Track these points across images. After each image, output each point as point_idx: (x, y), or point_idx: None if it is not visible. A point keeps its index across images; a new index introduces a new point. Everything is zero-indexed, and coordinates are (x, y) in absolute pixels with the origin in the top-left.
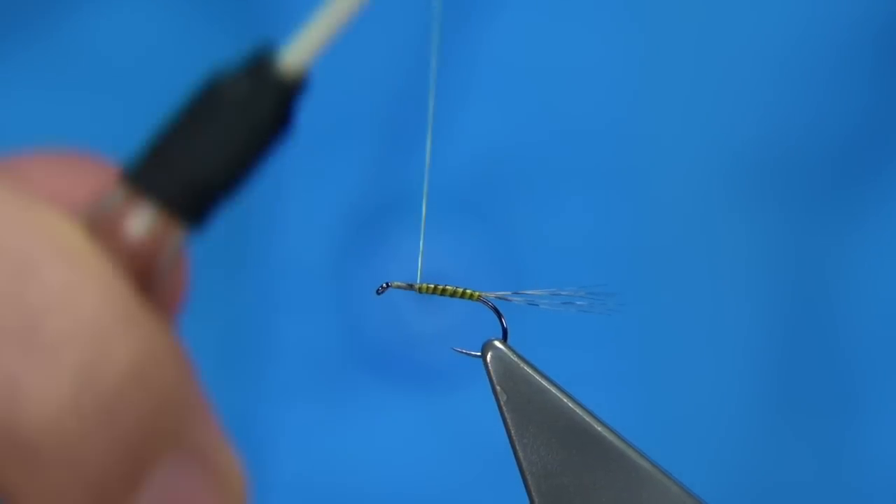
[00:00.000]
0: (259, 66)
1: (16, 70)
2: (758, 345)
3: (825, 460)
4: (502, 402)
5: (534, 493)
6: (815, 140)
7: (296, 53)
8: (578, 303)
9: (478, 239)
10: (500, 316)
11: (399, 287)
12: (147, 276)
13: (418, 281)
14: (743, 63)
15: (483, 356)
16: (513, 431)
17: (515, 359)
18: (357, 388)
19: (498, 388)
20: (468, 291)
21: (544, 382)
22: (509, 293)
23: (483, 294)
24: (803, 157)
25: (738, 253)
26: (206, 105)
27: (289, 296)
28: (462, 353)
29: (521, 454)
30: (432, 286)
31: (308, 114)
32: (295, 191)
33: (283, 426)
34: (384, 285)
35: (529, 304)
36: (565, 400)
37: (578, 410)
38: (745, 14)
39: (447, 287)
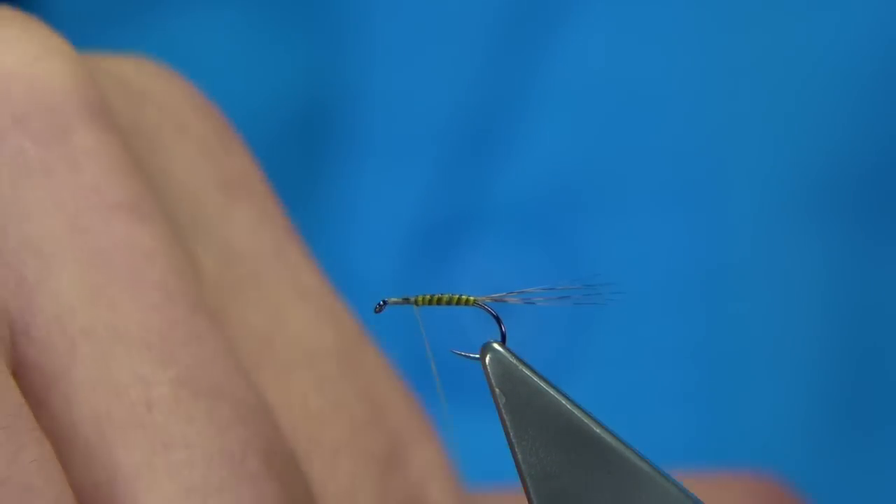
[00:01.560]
0: None
1: None
2: (825, 362)
3: (885, 476)
4: (501, 405)
5: (533, 495)
6: (886, 158)
7: None
8: (574, 296)
9: (546, 257)
10: (497, 319)
11: (396, 303)
12: None
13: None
14: (815, 81)
15: (481, 358)
16: (511, 433)
17: (514, 361)
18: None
19: (497, 390)
20: (464, 297)
21: (543, 384)
22: (505, 294)
23: (479, 298)
24: (873, 176)
25: (806, 270)
26: None
27: (355, 308)
28: (461, 355)
29: (519, 456)
30: (428, 297)
31: (376, 129)
32: (361, 206)
33: None
34: (381, 303)
35: (526, 302)
36: (564, 402)
37: (577, 412)
38: (819, 33)
39: (443, 296)
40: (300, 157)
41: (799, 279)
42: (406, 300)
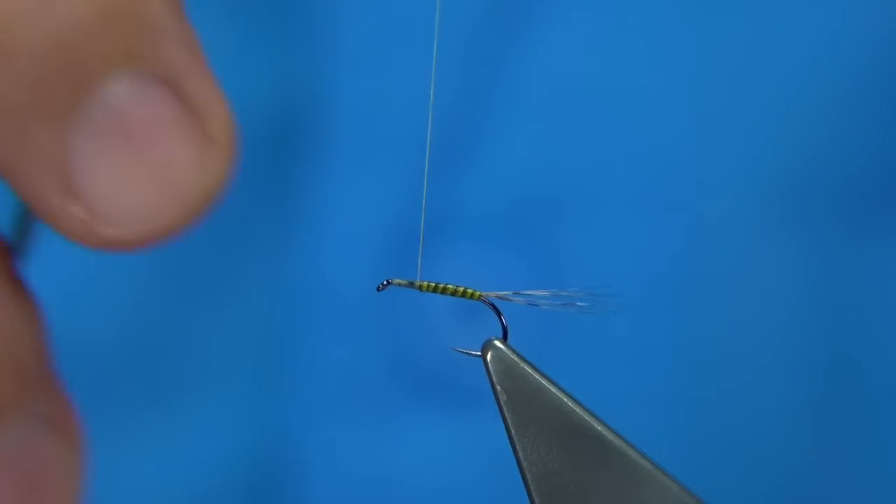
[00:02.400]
0: None
1: None
2: (803, 365)
3: (862, 479)
4: (502, 402)
5: (534, 493)
6: (865, 161)
7: None
8: (579, 304)
9: (522, 261)
10: (499, 315)
11: (400, 284)
12: None
13: (419, 279)
14: (790, 85)
15: (483, 356)
16: (513, 431)
17: (515, 358)
18: (396, 407)
19: (498, 387)
20: (469, 290)
21: (544, 382)
22: (510, 293)
23: (483, 294)
24: (851, 179)
25: (783, 276)
26: None
27: (329, 315)
28: (462, 352)
29: (521, 453)
30: (433, 284)
31: (348, 135)
32: (337, 210)
33: (322, 445)
34: (385, 282)
35: (530, 304)
36: (565, 399)
37: (578, 410)
38: (794, 37)
39: (448, 286)
40: (272, 164)
41: (777, 281)
42: (410, 283)
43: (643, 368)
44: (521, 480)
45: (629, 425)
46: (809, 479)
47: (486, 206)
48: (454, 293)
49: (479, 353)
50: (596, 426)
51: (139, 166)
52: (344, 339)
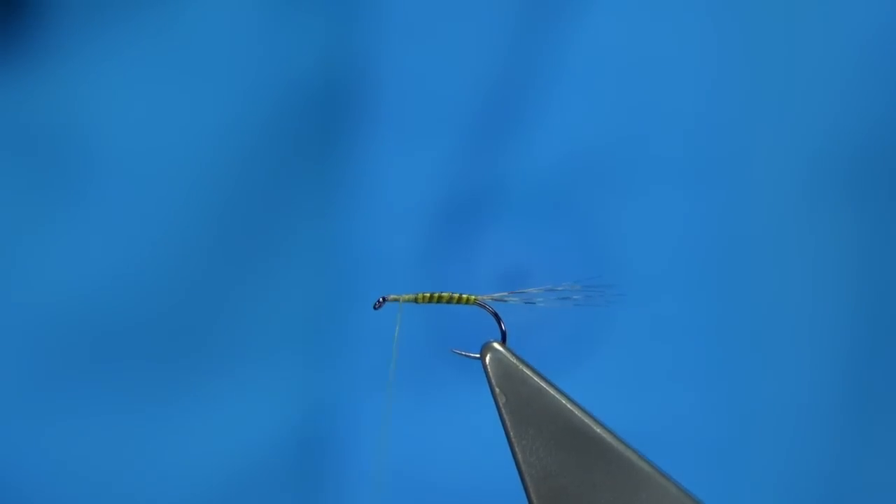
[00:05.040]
0: None
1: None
2: (850, 345)
3: None
4: (501, 404)
5: (532, 495)
6: None
7: None
8: (575, 297)
9: (567, 233)
10: (497, 318)
11: (395, 300)
12: None
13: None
14: (843, 54)
15: (482, 358)
16: (511, 433)
17: (514, 361)
18: (440, 380)
19: (497, 390)
20: (465, 296)
21: (543, 384)
22: (506, 294)
23: (479, 297)
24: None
25: (831, 249)
26: None
27: (375, 286)
28: (461, 354)
29: (519, 456)
30: (428, 294)
31: (397, 104)
32: (382, 182)
33: (365, 418)
34: (381, 300)
35: (526, 302)
36: (564, 402)
37: (577, 412)
38: (843, 5)
39: (443, 294)
40: (318, 138)
41: (823, 258)
42: (403, 298)
43: (681, 344)
44: (519, 480)
45: (662, 399)
46: (853, 464)
47: (531, 179)
48: (450, 300)
49: (477, 356)
50: (595, 429)
51: None
52: (392, 311)
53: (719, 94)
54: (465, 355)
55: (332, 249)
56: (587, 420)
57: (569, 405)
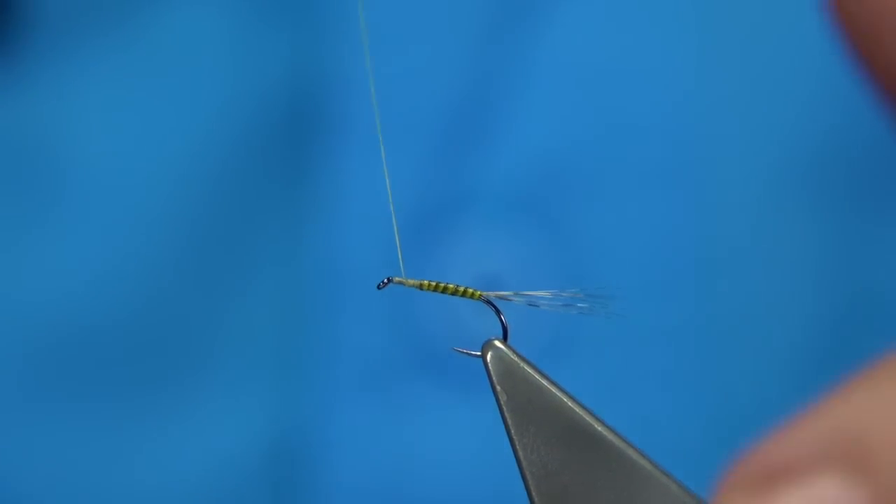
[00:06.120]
0: None
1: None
2: (818, 344)
3: None
4: (502, 402)
5: (534, 493)
6: (879, 139)
7: None
8: (579, 305)
9: (536, 238)
10: (500, 315)
11: (401, 283)
12: None
13: (402, 275)
14: (806, 62)
15: (483, 356)
16: (513, 431)
17: (515, 358)
18: (417, 390)
19: (498, 387)
20: (469, 290)
21: (544, 382)
22: (510, 293)
23: (484, 293)
24: (866, 157)
25: (799, 251)
26: None
27: (347, 296)
28: (462, 352)
29: (521, 454)
30: (433, 283)
31: (364, 116)
32: (354, 192)
33: (343, 428)
34: (386, 280)
35: (530, 304)
36: (565, 399)
37: (578, 410)
38: (805, 14)
39: (448, 285)
40: (289, 148)
41: (791, 260)
42: (410, 282)
43: (662, 347)
44: (520, 478)
45: (639, 402)
46: None
47: (501, 185)
48: (454, 292)
49: (478, 354)
50: (596, 426)
51: None
52: (364, 322)
53: (689, 98)
54: (467, 353)
55: (304, 261)
56: (589, 418)
57: (570, 403)
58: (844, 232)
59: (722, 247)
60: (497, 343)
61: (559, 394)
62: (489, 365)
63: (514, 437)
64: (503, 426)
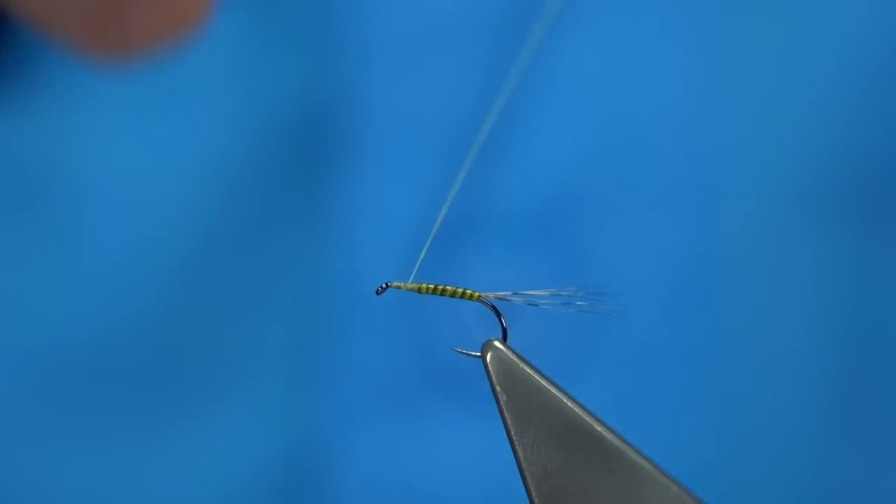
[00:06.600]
0: None
1: None
2: (824, 362)
3: (884, 475)
4: (502, 403)
5: (533, 493)
6: (887, 161)
7: None
8: (578, 303)
9: (551, 258)
10: (499, 316)
11: (399, 287)
12: None
13: (411, 281)
14: (814, 85)
15: (483, 356)
16: (512, 431)
17: (515, 359)
18: (428, 408)
19: (498, 388)
20: (468, 292)
21: (544, 382)
22: (509, 293)
23: (483, 294)
24: (874, 179)
25: (806, 271)
26: None
27: (361, 314)
28: (462, 353)
29: (520, 454)
30: (432, 286)
31: (377, 136)
32: (368, 211)
33: (354, 446)
34: (384, 285)
35: (529, 304)
36: (565, 400)
37: (578, 410)
38: (819, 36)
39: (447, 287)
40: (303, 167)
41: (799, 279)
42: (408, 286)
43: (668, 364)
44: (520, 479)
45: (650, 421)
46: (832, 476)
47: (513, 206)
48: (453, 294)
49: (478, 354)
50: (596, 427)
51: None
52: (377, 340)
53: (698, 121)
54: (466, 354)
55: (317, 280)
56: (588, 419)
57: (570, 404)
58: (851, 251)
59: (731, 266)
60: (497, 343)
61: (559, 394)
62: (489, 365)
63: (514, 438)
64: (503, 427)
